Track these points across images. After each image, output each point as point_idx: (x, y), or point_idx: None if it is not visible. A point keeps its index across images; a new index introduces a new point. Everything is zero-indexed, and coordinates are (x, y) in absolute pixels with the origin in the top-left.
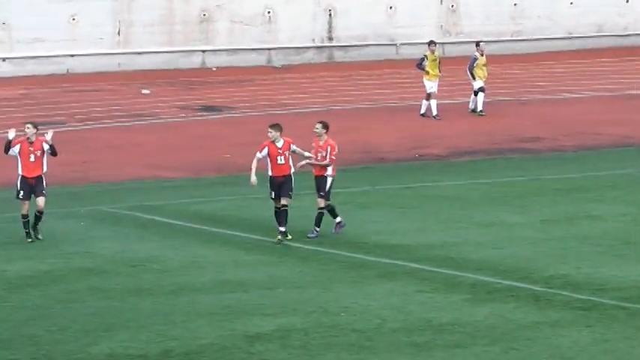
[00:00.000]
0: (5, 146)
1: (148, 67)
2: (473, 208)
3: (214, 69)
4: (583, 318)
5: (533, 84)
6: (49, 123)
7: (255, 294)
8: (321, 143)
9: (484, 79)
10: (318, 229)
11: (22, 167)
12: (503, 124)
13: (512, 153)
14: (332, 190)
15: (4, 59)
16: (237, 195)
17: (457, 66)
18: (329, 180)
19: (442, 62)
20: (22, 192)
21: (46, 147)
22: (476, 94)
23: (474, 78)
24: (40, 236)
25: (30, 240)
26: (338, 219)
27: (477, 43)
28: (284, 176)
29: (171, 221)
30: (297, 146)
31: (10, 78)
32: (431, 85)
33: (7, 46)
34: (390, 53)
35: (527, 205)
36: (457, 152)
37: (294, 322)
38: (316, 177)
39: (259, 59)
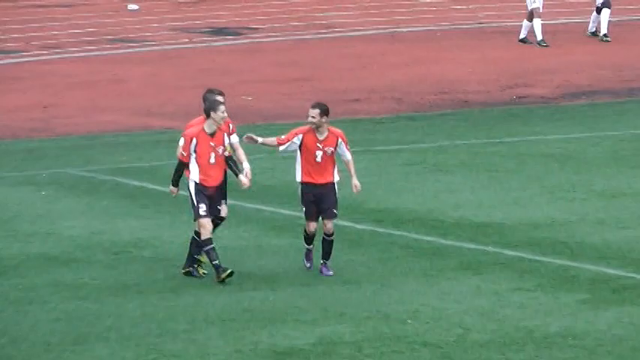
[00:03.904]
0: (177, 170)
1: None
2: (592, 172)
3: None
4: None
5: None
6: None
7: (287, 292)
8: (321, 138)
9: None
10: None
11: (198, 171)
12: (635, 54)
13: None
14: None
15: None
16: (261, 153)
17: None
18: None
19: None
20: (202, 206)
21: (228, 141)
22: (598, 10)
23: None
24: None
25: (205, 272)
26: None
27: None
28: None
29: (167, 190)
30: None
31: None
32: None
33: None
34: None
35: None
36: (570, 93)
37: (342, 332)
38: (314, 185)
39: None
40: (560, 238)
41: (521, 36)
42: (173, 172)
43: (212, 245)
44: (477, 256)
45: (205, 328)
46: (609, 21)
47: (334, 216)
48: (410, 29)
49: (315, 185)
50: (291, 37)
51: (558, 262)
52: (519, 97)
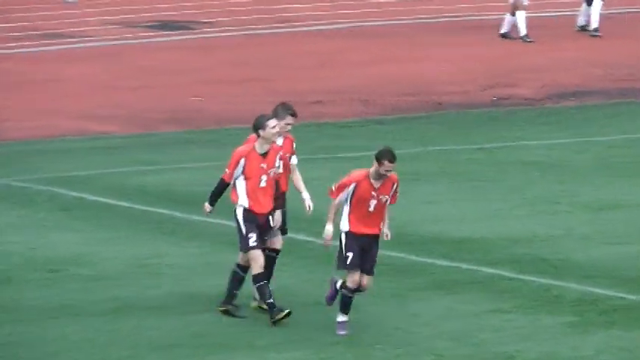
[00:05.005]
0: (217, 188)
1: None
2: (578, 182)
3: None
4: None
5: None
6: None
7: (241, 314)
8: (377, 186)
9: None
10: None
11: (246, 196)
12: (629, 50)
13: None
14: None
15: None
16: (211, 160)
17: None
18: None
19: None
20: (252, 235)
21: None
22: (589, 2)
23: None
24: (277, 305)
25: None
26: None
27: None
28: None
29: (109, 201)
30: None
31: None
32: None
33: None
34: None
35: None
36: (557, 93)
37: (304, 358)
38: (362, 236)
39: None
40: (542, 254)
41: (503, 30)
42: (213, 189)
43: (264, 281)
44: (451, 274)
45: (149, 354)
46: (601, 14)
47: (373, 273)
48: (381, 23)
49: (361, 236)
50: (245, 32)
51: (540, 280)
52: (500, 99)
